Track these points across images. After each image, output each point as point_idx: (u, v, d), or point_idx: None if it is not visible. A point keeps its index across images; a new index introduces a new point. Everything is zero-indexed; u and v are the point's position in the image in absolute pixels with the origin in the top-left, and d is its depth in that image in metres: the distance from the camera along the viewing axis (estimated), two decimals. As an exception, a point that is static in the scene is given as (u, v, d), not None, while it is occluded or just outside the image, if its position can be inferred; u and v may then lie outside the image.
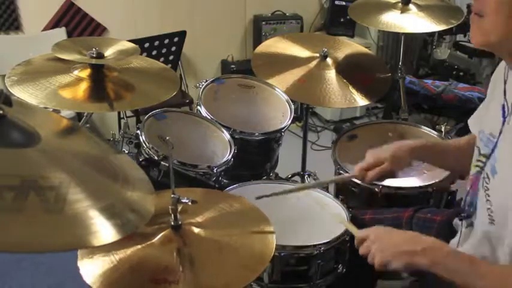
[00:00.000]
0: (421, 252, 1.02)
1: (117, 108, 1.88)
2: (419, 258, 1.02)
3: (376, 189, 1.62)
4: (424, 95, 3.13)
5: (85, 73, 1.52)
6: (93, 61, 1.50)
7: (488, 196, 1.05)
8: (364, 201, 1.63)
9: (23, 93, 1.40)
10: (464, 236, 1.20)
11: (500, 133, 1.07)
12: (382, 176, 1.37)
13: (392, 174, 1.38)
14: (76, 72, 1.52)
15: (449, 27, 2.00)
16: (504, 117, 1.09)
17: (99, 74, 1.53)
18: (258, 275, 1.09)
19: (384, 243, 1.07)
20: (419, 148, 1.37)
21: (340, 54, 2.02)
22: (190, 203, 1.10)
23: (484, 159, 1.11)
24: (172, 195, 1.09)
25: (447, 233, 1.31)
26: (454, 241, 1.25)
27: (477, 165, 1.14)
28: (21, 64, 1.54)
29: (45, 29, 3.27)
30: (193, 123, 1.80)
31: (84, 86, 1.50)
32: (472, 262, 1.01)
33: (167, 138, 1.21)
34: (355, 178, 1.46)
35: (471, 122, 1.34)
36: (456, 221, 1.28)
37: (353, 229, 1.23)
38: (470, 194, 1.17)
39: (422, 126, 1.93)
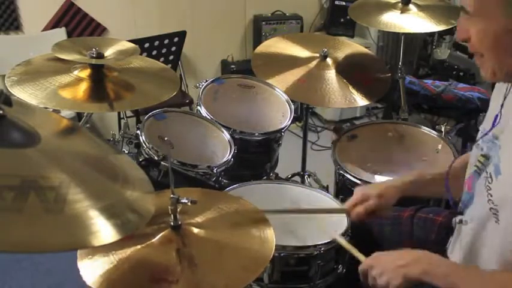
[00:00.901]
0: (413, 263, 1.07)
1: (117, 109, 1.88)
2: (412, 269, 1.07)
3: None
4: (424, 95, 3.13)
5: (85, 73, 1.52)
6: (93, 61, 1.50)
7: (491, 196, 1.06)
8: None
9: (23, 93, 1.40)
10: (457, 232, 1.22)
11: (502, 133, 1.08)
12: (369, 213, 1.35)
13: (379, 212, 1.37)
14: (76, 72, 1.52)
15: (449, 27, 2.00)
16: (493, 125, 1.11)
17: (99, 74, 1.53)
18: (258, 275, 1.09)
19: (381, 266, 1.12)
20: (410, 183, 1.38)
21: (340, 54, 2.02)
22: (189, 203, 1.10)
23: (483, 160, 1.12)
24: (171, 196, 1.09)
25: (448, 232, 1.31)
26: (451, 239, 1.26)
27: (476, 165, 1.14)
28: (21, 64, 1.54)
29: (45, 29, 3.27)
30: (193, 123, 1.80)
31: (84, 86, 1.49)
32: (459, 268, 1.08)
33: (165, 138, 1.21)
34: (345, 213, 1.41)
35: None
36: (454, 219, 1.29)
37: (359, 255, 1.24)
38: (465, 192, 1.18)
39: (422, 126, 1.94)
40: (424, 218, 1.40)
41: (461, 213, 1.20)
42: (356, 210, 1.36)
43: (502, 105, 1.11)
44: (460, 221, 1.20)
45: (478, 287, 1.04)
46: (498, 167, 1.05)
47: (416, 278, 1.06)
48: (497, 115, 1.11)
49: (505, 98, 1.12)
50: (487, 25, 0.98)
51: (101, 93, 1.50)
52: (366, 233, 1.45)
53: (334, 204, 1.47)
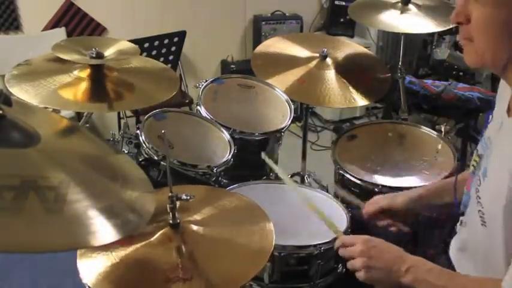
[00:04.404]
0: (405, 272, 1.07)
1: (117, 108, 1.88)
2: (403, 278, 1.07)
3: (376, 189, 1.62)
4: (424, 95, 3.13)
5: (85, 73, 1.52)
6: (93, 61, 1.50)
7: (479, 198, 1.06)
8: (364, 201, 1.63)
9: (23, 94, 1.39)
10: (458, 233, 1.22)
11: (493, 139, 1.08)
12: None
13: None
14: (76, 72, 1.52)
15: (449, 27, 2.00)
16: (485, 126, 1.11)
17: (99, 73, 1.53)
18: (258, 270, 1.09)
19: (372, 262, 1.11)
20: (423, 198, 1.38)
21: (340, 54, 2.01)
22: (188, 199, 1.10)
23: (478, 160, 1.12)
24: (170, 194, 1.09)
25: (449, 231, 1.31)
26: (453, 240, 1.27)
27: (472, 165, 1.15)
28: (21, 64, 1.54)
29: (45, 29, 3.27)
30: (193, 123, 1.80)
31: (84, 86, 1.49)
32: (452, 276, 1.07)
33: (163, 131, 1.20)
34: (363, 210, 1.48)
35: None
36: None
37: (338, 232, 1.25)
38: (465, 193, 1.18)
39: (422, 126, 1.94)
40: (428, 216, 1.40)
41: (462, 214, 1.19)
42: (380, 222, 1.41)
43: (509, 108, 1.09)
44: (461, 222, 1.20)
45: None
46: (486, 170, 1.05)
47: (406, 284, 1.07)
48: (489, 114, 1.12)
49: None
50: (497, 13, 0.95)
51: (101, 93, 1.50)
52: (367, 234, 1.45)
53: (334, 203, 1.47)
